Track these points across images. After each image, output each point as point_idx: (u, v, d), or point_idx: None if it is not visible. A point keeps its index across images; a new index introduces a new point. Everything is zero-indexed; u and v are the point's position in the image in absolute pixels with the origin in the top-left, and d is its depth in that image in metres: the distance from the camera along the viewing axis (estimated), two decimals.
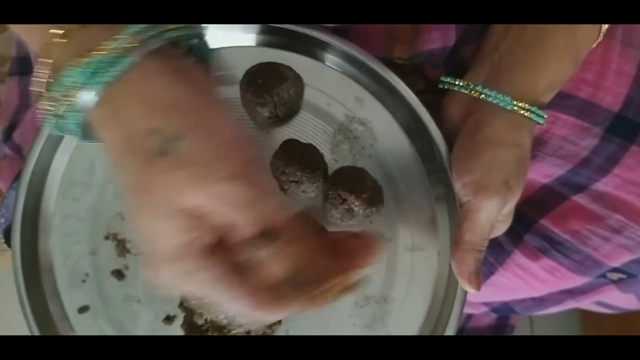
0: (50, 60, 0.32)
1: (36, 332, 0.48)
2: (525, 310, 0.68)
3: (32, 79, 0.33)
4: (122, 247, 0.50)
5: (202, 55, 0.38)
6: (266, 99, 0.48)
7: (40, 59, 0.33)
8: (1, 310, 1.00)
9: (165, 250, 0.29)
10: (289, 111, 0.50)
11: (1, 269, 0.64)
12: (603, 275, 0.57)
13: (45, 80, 0.32)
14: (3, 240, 0.57)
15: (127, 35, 0.31)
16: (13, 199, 0.50)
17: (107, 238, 0.50)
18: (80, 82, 0.31)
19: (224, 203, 0.29)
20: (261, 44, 0.52)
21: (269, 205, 0.30)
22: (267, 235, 0.29)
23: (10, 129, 0.60)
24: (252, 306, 0.31)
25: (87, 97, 0.31)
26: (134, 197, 0.30)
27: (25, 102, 0.60)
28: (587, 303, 0.65)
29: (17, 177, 0.54)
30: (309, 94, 0.51)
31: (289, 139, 0.50)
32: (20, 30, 0.37)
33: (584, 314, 1.09)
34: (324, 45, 0.51)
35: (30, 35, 0.36)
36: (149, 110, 0.30)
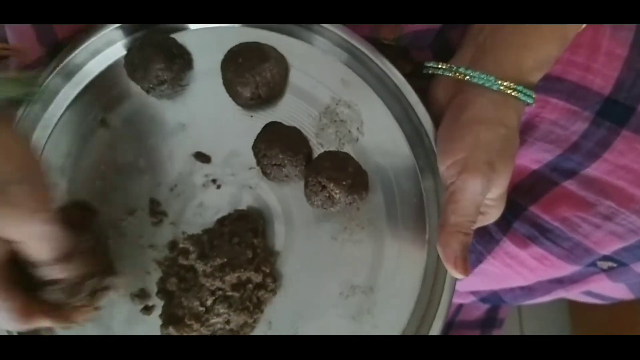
0: None
1: None
2: (514, 300, 0.68)
3: None
4: None
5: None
6: (247, 79, 0.47)
7: None
8: None
9: None
10: (272, 92, 0.49)
11: None
12: (593, 264, 0.57)
13: None
14: None
15: None
16: None
17: None
18: None
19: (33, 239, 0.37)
20: (244, 24, 0.51)
21: (60, 238, 0.38)
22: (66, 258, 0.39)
23: None
24: (8, 319, 0.38)
25: None
26: None
27: None
28: (576, 293, 0.64)
29: None
30: (293, 76, 0.50)
31: (271, 122, 0.49)
32: None
33: (573, 309, 1.09)
34: (310, 26, 0.49)
35: None
36: None
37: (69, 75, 0.50)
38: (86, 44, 0.49)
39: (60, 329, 0.46)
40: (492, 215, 0.48)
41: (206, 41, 0.50)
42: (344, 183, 0.46)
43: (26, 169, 0.37)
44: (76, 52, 0.49)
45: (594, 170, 0.52)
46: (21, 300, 0.39)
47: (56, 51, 0.48)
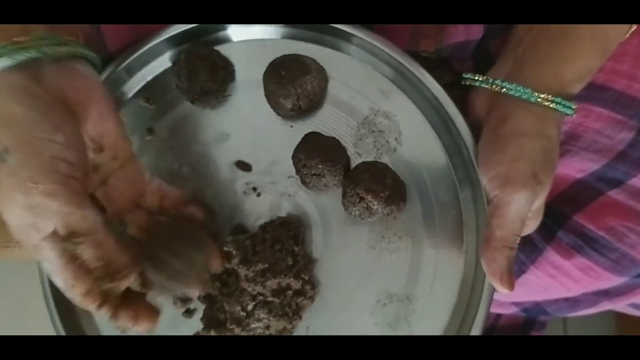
0: None
1: (59, 324, 0.49)
2: (558, 312, 0.66)
3: None
4: None
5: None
6: (289, 91, 0.48)
7: None
8: (26, 304, 1.03)
9: (15, 229, 0.36)
10: (312, 103, 0.49)
11: (27, 264, 0.65)
12: None
13: None
14: None
15: None
16: None
17: None
18: None
19: (40, 211, 0.36)
20: (285, 37, 0.52)
21: (75, 216, 0.36)
22: (69, 237, 0.36)
23: None
24: (66, 289, 0.38)
25: None
26: None
27: None
28: (622, 305, 0.62)
29: None
30: (333, 87, 0.51)
31: (311, 132, 0.50)
32: None
33: (619, 318, 1.05)
34: (349, 38, 0.50)
35: None
36: None
37: (117, 85, 0.52)
38: (135, 55, 0.51)
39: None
40: (530, 226, 0.47)
41: (249, 53, 0.52)
42: (382, 195, 0.46)
43: (24, 136, 0.36)
44: (125, 63, 0.51)
45: None
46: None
47: (106, 63, 0.51)
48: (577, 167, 0.54)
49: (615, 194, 0.53)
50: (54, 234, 0.36)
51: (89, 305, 0.38)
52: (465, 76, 0.48)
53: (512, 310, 0.71)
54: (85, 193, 0.38)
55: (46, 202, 0.35)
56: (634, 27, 0.46)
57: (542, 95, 0.43)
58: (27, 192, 0.35)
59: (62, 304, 0.49)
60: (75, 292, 0.38)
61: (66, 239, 0.36)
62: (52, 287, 0.49)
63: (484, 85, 0.47)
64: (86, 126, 0.41)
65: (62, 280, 0.37)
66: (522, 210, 0.43)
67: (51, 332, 0.49)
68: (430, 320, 0.48)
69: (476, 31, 0.49)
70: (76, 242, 0.37)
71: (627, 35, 0.46)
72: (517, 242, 0.44)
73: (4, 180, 0.36)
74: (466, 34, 0.49)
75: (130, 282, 0.40)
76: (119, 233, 0.41)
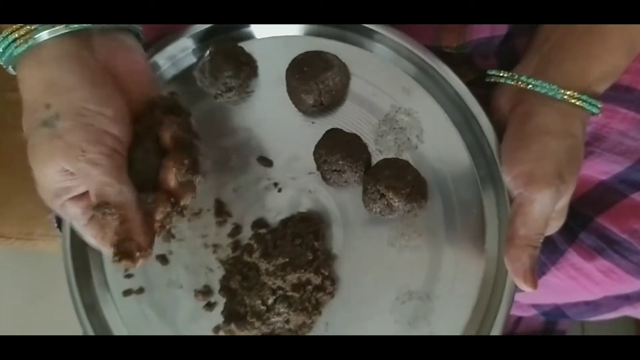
0: None
1: (83, 315, 0.50)
2: (578, 316, 0.66)
3: None
4: (166, 232, 0.50)
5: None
6: (311, 87, 0.48)
7: None
8: (50, 295, 1.05)
9: (46, 187, 0.39)
10: (334, 99, 0.50)
11: (51, 256, 0.66)
12: None
13: None
14: (56, 225, 0.59)
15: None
16: None
17: None
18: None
19: (82, 177, 0.38)
20: (308, 33, 0.52)
21: (111, 188, 0.39)
22: (99, 206, 0.39)
23: None
24: (95, 243, 0.40)
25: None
26: (28, 146, 0.39)
27: None
28: None
29: None
30: (354, 84, 0.51)
31: (332, 128, 0.50)
32: None
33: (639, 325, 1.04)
34: (371, 34, 0.50)
35: None
36: (42, 89, 0.38)
37: None
38: (160, 51, 0.52)
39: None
40: (552, 226, 0.47)
41: (272, 50, 0.52)
42: (403, 192, 0.46)
43: (76, 106, 0.38)
44: (151, 59, 0.52)
45: None
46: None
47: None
48: (601, 169, 0.53)
49: (638, 197, 0.52)
50: (82, 196, 0.39)
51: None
52: (490, 72, 0.48)
53: (532, 312, 0.70)
54: (125, 168, 0.40)
55: (89, 169, 0.38)
56: None
57: (568, 93, 0.43)
58: (72, 158, 0.37)
59: (87, 296, 0.50)
60: (102, 247, 0.40)
61: (97, 207, 0.38)
62: (77, 278, 0.50)
63: (509, 81, 0.46)
64: (130, 98, 0.42)
65: (89, 236, 0.40)
66: (546, 209, 0.42)
67: (74, 323, 0.50)
68: (450, 318, 0.47)
69: (501, 27, 0.49)
70: (105, 213, 0.39)
71: None
72: (541, 241, 0.43)
73: (46, 142, 0.37)
74: (491, 29, 0.49)
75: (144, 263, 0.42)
76: (147, 211, 0.41)
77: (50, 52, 0.38)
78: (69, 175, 0.38)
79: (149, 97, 0.43)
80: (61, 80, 0.38)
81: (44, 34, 0.38)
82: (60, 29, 0.38)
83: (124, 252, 0.39)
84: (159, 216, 0.41)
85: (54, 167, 0.38)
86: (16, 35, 0.38)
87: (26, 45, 0.38)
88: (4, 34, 0.38)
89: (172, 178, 0.42)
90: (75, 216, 0.40)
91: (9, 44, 0.38)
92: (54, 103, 0.38)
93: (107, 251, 0.40)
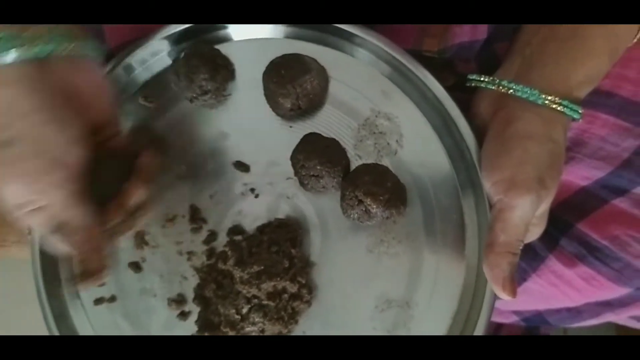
0: None
1: (52, 324, 0.48)
2: (560, 322, 0.65)
3: None
4: (140, 239, 0.50)
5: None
6: (289, 90, 0.47)
7: None
8: (19, 302, 1.02)
9: (8, 201, 0.39)
10: (312, 103, 0.49)
11: (19, 262, 0.65)
12: None
13: None
14: (27, 232, 0.58)
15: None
16: None
17: None
18: None
19: (36, 195, 0.38)
20: (286, 36, 0.51)
21: (70, 211, 0.40)
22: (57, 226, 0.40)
23: None
24: (60, 250, 0.41)
25: None
26: None
27: None
28: (624, 317, 0.61)
29: None
30: (333, 87, 0.50)
31: (311, 133, 0.49)
32: None
33: (620, 331, 1.04)
34: (351, 38, 0.50)
35: None
36: (2, 111, 0.37)
37: (116, 83, 0.51)
38: (134, 53, 0.51)
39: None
40: (533, 233, 0.46)
41: (249, 52, 0.51)
42: (382, 198, 0.45)
43: (34, 130, 0.38)
44: (124, 61, 0.50)
45: None
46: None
47: (106, 59, 0.50)
48: (582, 175, 0.53)
49: (619, 203, 0.52)
50: (44, 207, 0.39)
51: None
52: (471, 77, 0.48)
53: (513, 319, 0.70)
54: (81, 191, 0.40)
55: (47, 191, 0.38)
56: None
57: (549, 98, 0.42)
58: (26, 184, 0.38)
59: (56, 305, 0.49)
60: (68, 252, 0.41)
61: (56, 230, 0.40)
62: (47, 286, 0.49)
63: (490, 86, 0.46)
64: (89, 115, 0.42)
65: (50, 242, 0.41)
66: (527, 215, 0.42)
67: (44, 331, 0.48)
68: (430, 326, 0.46)
69: (482, 31, 0.49)
70: (64, 233, 0.40)
71: (635, 40, 0.45)
72: (521, 247, 0.43)
73: (7, 162, 0.37)
74: (472, 33, 0.49)
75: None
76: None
77: (9, 75, 0.37)
78: (30, 191, 0.38)
79: (109, 113, 0.44)
80: (20, 103, 0.37)
81: (7, 58, 0.37)
82: (20, 53, 0.37)
83: (86, 272, 0.41)
84: (109, 224, 0.43)
85: (15, 184, 0.38)
86: None
87: None
88: None
89: (134, 198, 0.44)
90: (40, 224, 0.40)
91: None
92: (12, 126, 0.37)
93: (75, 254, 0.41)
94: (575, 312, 0.62)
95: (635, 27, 0.45)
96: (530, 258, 0.57)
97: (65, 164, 0.39)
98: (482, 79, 0.47)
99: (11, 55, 0.37)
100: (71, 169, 0.39)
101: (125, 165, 0.45)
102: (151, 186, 0.45)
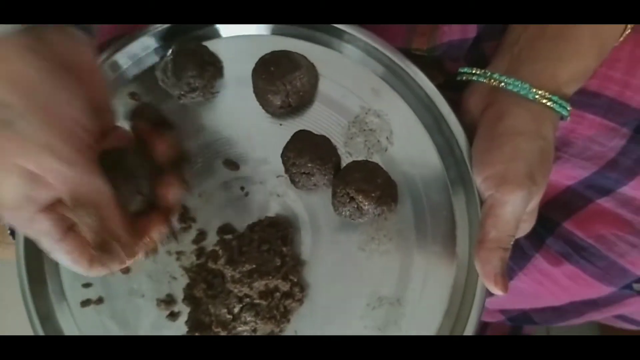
0: None
1: (38, 326, 0.47)
2: (545, 322, 0.66)
3: None
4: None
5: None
6: (278, 87, 0.47)
7: None
8: (4, 303, 1.00)
9: (6, 201, 0.34)
10: (302, 100, 0.49)
11: (5, 262, 0.63)
12: (629, 286, 0.54)
13: None
14: (9, 232, 0.56)
15: None
16: None
17: None
18: None
19: (41, 180, 0.34)
20: (275, 33, 0.51)
21: (85, 185, 0.35)
22: (79, 204, 0.35)
23: None
24: (71, 261, 0.37)
25: None
26: None
27: None
28: (609, 316, 0.62)
29: None
30: (323, 85, 0.50)
31: (301, 130, 0.49)
32: None
33: (604, 330, 1.05)
34: (341, 35, 0.49)
35: None
36: (1, 85, 0.34)
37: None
38: (121, 50, 0.50)
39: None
40: (523, 229, 0.46)
41: (238, 49, 0.51)
42: (373, 195, 0.45)
43: (39, 100, 0.34)
44: (111, 58, 0.50)
45: (632, 188, 0.50)
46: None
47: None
48: (568, 174, 0.53)
49: (605, 202, 0.52)
50: (52, 205, 0.35)
51: (98, 273, 0.37)
52: (462, 70, 0.48)
53: (499, 318, 0.70)
54: (97, 161, 0.37)
55: (64, 170, 0.34)
56: (629, 30, 0.45)
57: (539, 92, 0.42)
58: (41, 159, 0.34)
59: (42, 306, 0.48)
60: (79, 265, 0.37)
61: (75, 210, 0.35)
62: (32, 287, 0.48)
63: (481, 79, 0.46)
64: (88, 93, 0.38)
65: (64, 253, 0.36)
66: (518, 210, 0.42)
67: (29, 332, 0.47)
68: (421, 324, 0.46)
69: (471, 30, 0.49)
70: (81, 213, 0.35)
71: (621, 39, 0.46)
72: (512, 243, 0.43)
73: (5, 146, 0.33)
74: (462, 32, 0.49)
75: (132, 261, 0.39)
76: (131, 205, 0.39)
77: (9, 46, 0.35)
78: (34, 182, 0.34)
79: (105, 94, 0.41)
80: (17, 74, 0.34)
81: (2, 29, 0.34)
82: (12, 25, 0.35)
83: (106, 251, 0.36)
84: (155, 236, 0.39)
85: (16, 173, 0.34)
86: None
87: None
88: None
89: (172, 196, 0.40)
90: (48, 231, 0.36)
91: None
92: (16, 101, 0.34)
93: (85, 270, 0.37)
94: (560, 312, 0.62)
95: (621, 26, 0.45)
96: (517, 257, 0.57)
97: (81, 130, 0.35)
98: (473, 71, 0.47)
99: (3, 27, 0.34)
100: (87, 136, 0.36)
101: (137, 162, 0.40)
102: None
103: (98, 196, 0.36)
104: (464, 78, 0.48)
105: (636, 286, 0.54)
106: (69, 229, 0.36)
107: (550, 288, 0.57)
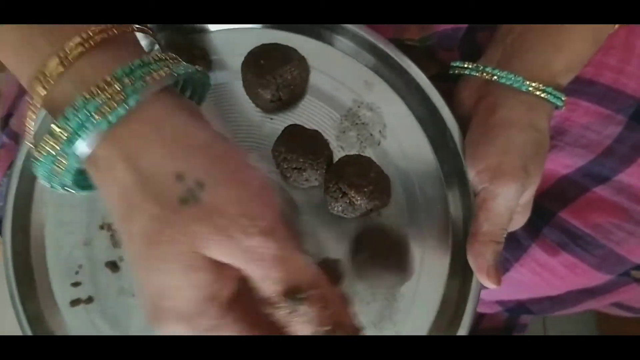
0: (43, 93, 0.28)
1: (26, 326, 0.47)
2: (542, 312, 0.66)
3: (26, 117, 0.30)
4: (117, 237, 0.48)
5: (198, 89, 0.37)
6: (268, 80, 0.46)
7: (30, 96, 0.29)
8: None
9: (180, 306, 0.27)
10: (293, 94, 0.48)
11: None
12: (626, 273, 0.54)
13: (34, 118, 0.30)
14: None
15: (138, 67, 0.28)
16: (6, 186, 0.48)
17: (102, 227, 0.48)
18: (80, 120, 0.27)
19: (252, 259, 0.27)
20: (265, 26, 0.50)
21: (296, 264, 0.28)
22: (291, 294, 0.27)
23: (8, 117, 0.59)
24: None
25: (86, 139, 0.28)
26: (146, 247, 0.27)
27: (24, 90, 0.58)
28: (606, 304, 0.62)
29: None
30: (315, 78, 0.49)
31: (292, 124, 0.48)
32: (8, 61, 0.32)
33: (600, 319, 1.06)
34: (332, 27, 0.49)
35: (18, 66, 0.31)
36: (171, 152, 0.28)
37: None
38: None
39: None
40: (518, 221, 0.46)
41: (227, 43, 0.50)
42: (366, 190, 0.45)
43: (227, 166, 0.29)
44: None
45: (628, 175, 0.50)
46: None
47: None
48: (564, 163, 0.53)
49: (601, 190, 0.52)
50: (234, 303, 0.28)
51: None
52: (454, 64, 0.47)
53: (496, 309, 0.70)
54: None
55: (264, 247, 0.27)
56: None
57: (533, 84, 0.42)
58: (240, 236, 0.27)
59: (30, 306, 0.47)
60: None
61: (291, 297, 0.28)
62: (20, 287, 0.47)
63: (473, 72, 0.45)
64: None
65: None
66: (511, 203, 0.42)
67: (19, 333, 0.46)
68: (415, 318, 0.46)
69: None
70: (303, 300, 0.28)
71: (616, 27, 0.45)
72: (505, 236, 0.43)
73: (193, 226, 0.27)
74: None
75: None
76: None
77: (157, 106, 0.29)
78: (220, 275, 0.28)
79: None
80: (190, 134, 0.28)
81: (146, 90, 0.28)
82: (170, 75, 0.29)
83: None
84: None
85: (207, 265, 0.27)
86: (102, 99, 0.27)
87: (115, 114, 0.27)
88: (77, 103, 0.27)
89: None
90: (236, 333, 0.29)
91: (86, 120, 0.27)
92: (187, 169, 0.27)
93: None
94: (558, 301, 0.62)
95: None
96: (514, 248, 0.57)
97: (277, 192, 0.31)
98: (465, 65, 0.46)
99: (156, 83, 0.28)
100: (277, 208, 0.29)
101: None
102: None
103: (309, 275, 0.29)
104: (456, 71, 0.47)
105: (634, 273, 0.54)
106: (254, 327, 0.30)
107: (547, 278, 0.57)
